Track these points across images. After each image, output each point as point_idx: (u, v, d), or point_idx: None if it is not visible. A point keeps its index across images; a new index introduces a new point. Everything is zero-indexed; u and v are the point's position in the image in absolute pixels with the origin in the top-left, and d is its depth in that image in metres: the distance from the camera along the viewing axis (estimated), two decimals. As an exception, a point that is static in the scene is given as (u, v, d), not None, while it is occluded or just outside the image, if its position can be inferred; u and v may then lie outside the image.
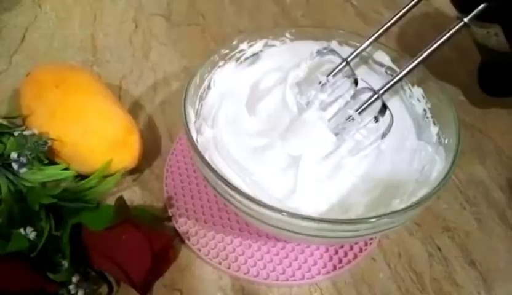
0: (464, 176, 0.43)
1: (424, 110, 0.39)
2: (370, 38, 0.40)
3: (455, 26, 0.34)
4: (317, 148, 0.36)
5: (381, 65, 0.42)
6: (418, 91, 0.39)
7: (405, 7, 0.38)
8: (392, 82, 0.35)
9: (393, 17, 0.39)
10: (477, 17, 0.35)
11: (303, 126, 0.37)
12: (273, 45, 0.43)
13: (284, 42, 0.43)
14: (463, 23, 0.34)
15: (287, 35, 0.43)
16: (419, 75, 0.39)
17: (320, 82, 0.39)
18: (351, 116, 0.35)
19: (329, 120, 0.37)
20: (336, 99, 0.38)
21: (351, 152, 0.35)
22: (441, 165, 0.34)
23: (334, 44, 0.43)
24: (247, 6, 0.65)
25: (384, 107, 0.34)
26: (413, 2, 0.38)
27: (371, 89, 0.35)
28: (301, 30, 0.43)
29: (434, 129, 0.37)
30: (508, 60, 0.41)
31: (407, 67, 0.35)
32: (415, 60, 0.35)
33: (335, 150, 0.35)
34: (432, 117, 0.38)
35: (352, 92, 0.37)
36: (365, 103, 0.35)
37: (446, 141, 0.35)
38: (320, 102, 0.38)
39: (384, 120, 0.35)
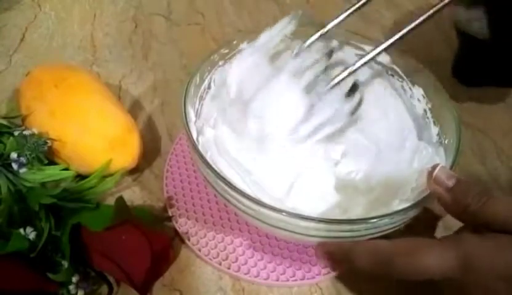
0: (464, 176, 0.43)
1: (425, 110, 0.39)
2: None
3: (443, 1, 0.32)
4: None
5: (382, 65, 0.42)
6: (418, 91, 0.39)
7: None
8: (366, 59, 0.34)
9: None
10: None
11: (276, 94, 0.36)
12: (273, 45, 0.43)
13: (284, 41, 0.43)
14: None
15: (287, 34, 0.43)
16: (419, 74, 0.39)
17: (293, 51, 0.38)
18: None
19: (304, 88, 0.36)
20: (308, 68, 0.37)
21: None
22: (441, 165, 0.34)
23: (334, 43, 0.43)
24: (247, 5, 0.65)
25: (354, 86, 0.33)
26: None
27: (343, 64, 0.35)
28: (301, 29, 0.43)
29: (435, 130, 0.37)
30: (484, 49, 0.41)
31: (386, 41, 0.33)
32: (395, 35, 0.33)
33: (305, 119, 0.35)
34: (432, 117, 0.38)
35: (324, 65, 0.36)
36: (336, 77, 0.34)
37: (446, 141, 0.35)
38: (293, 69, 0.37)
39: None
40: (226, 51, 0.41)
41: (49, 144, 0.37)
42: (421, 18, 0.33)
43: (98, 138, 0.39)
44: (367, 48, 0.42)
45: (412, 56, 0.40)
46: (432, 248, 0.27)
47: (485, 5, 0.37)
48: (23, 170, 0.36)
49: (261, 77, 0.38)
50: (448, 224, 0.40)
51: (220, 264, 0.36)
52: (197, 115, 0.38)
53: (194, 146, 0.32)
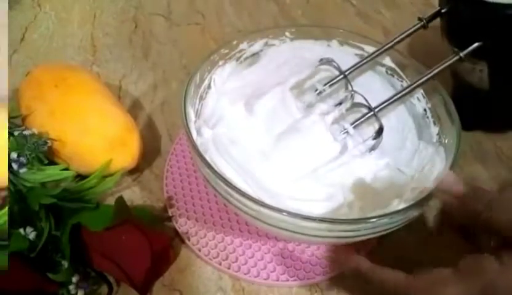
0: (464, 176, 0.43)
1: (425, 110, 0.39)
2: (369, 56, 0.40)
3: (451, 59, 0.36)
4: (318, 152, 0.36)
5: (382, 65, 0.42)
6: (418, 91, 0.39)
7: (405, 32, 0.39)
8: (388, 102, 0.36)
9: (394, 39, 0.40)
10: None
11: (305, 129, 0.37)
12: (273, 45, 0.43)
13: (284, 41, 0.43)
14: (458, 57, 0.36)
15: (287, 34, 0.43)
16: (419, 74, 0.39)
17: (316, 90, 0.39)
18: (346, 129, 0.36)
19: (330, 125, 0.37)
20: (333, 109, 0.38)
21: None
22: (441, 165, 0.34)
23: (334, 43, 0.43)
24: (246, 6, 0.65)
25: (380, 128, 0.35)
26: (412, 30, 0.39)
27: (366, 105, 0.36)
28: (301, 29, 0.43)
29: (435, 129, 0.37)
30: (480, 97, 0.42)
31: (402, 90, 0.37)
32: (411, 85, 0.37)
33: (339, 155, 0.36)
34: (432, 117, 0.38)
35: (348, 104, 0.37)
36: (360, 119, 0.36)
37: (446, 141, 0.35)
38: (319, 109, 0.38)
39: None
40: (226, 51, 0.41)
41: (49, 144, 0.37)
42: (434, 72, 0.36)
43: (98, 138, 0.39)
44: (367, 48, 0.42)
45: (412, 56, 0.40)
46: (451, 284, 0.26)
47: (486, 59, 0.37)
48: (23, 170, 0.36)
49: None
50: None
51: (220, 264, 0.36)
52: (197, 115, 0.38)
53: (194, 146, 0.32)
